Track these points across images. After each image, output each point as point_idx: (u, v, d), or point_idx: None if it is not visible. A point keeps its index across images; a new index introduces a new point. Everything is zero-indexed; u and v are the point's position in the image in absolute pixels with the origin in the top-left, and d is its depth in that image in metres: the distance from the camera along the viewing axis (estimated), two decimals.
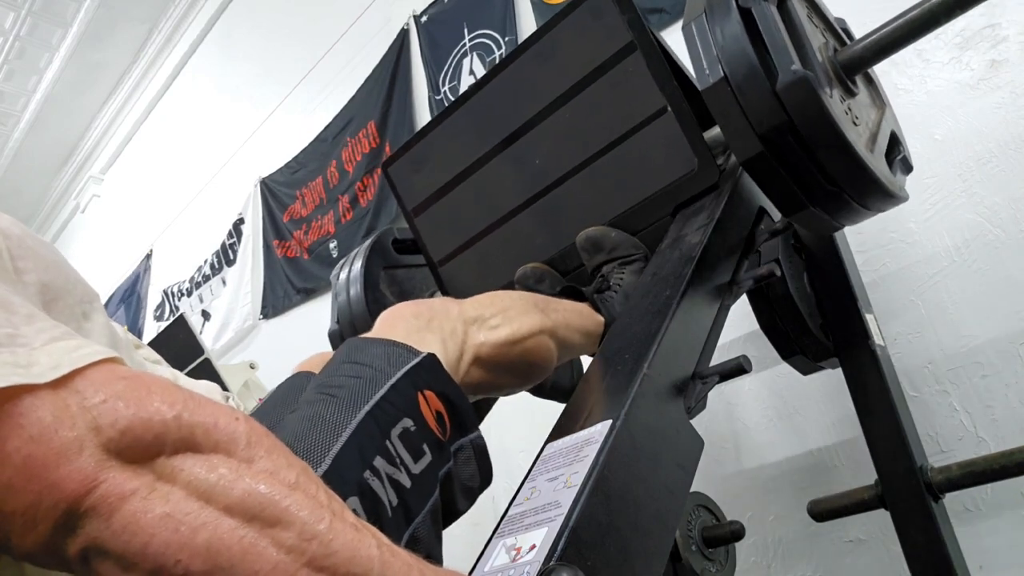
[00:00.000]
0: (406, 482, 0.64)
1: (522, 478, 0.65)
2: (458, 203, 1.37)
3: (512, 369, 0.90)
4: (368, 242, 1.54)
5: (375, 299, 1.44)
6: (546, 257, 1.28)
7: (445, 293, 1.43)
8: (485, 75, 1.31)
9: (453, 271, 1.41)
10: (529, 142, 1.27)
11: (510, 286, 1.29)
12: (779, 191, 0.93)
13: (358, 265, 1.48)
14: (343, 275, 1.49)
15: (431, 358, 0.74)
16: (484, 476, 0.76)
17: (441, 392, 0.72)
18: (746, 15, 0.89)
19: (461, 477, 0.73)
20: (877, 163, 0.95)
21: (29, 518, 0.38)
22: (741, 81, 0.87)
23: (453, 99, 1.38)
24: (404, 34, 3.23)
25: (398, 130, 3.13)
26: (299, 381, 0.87)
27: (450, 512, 0.73)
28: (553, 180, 1.26)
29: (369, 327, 1.42)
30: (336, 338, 1.47)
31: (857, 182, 0.91)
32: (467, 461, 0.74)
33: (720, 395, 1.78)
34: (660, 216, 1.15)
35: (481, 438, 0.76)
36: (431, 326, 0.80)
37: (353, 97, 3.43)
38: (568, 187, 1.24)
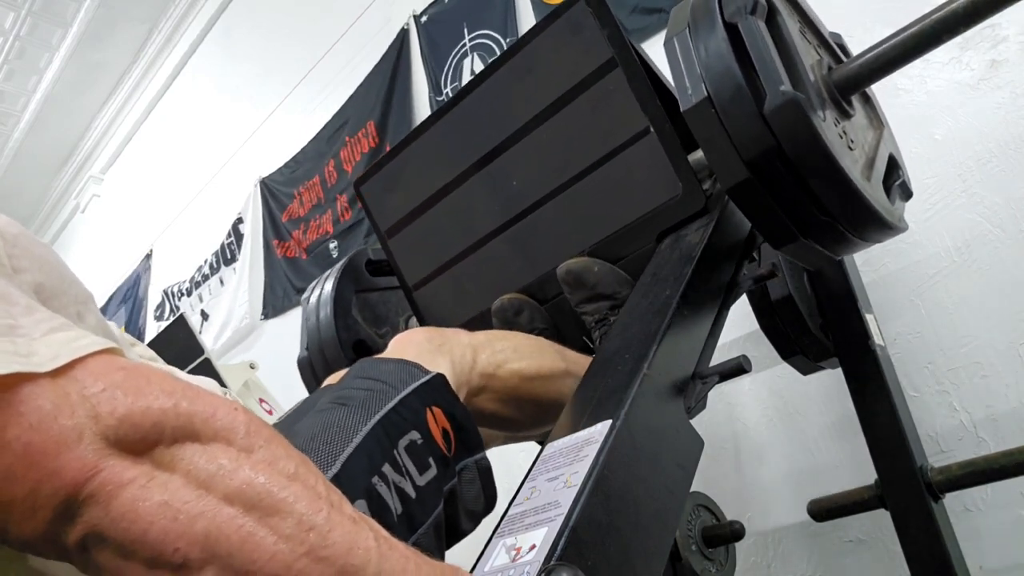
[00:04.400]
0: (411, 492, 0.65)
1: (522, 478, 0.65)
2: (433, 225, 1.29)
3: (520, 404, 0.91)
4: (340, 264, 1.46)
5: (346, 324, 1.37)
6: (524, 284, 1.20)
7: (420, 318, 1.35)
8: (460, 91, 1.24)
9: (429, 296, 1.33)
10: (506, 162, 1.20)
11: (487, 313, 1.22)
12: (768, 222, 0.86)
13: (328, 287, 1.39)
14: (313, 297, 1.41)
15: (440, 377, 0.76)
16: (488, 499, 0.77)
17: (448, 411, 0.74)
18: (732, 31, 0.82)
19: (465, 498, 0.74)
20: (874, 192, 0.89)
21: (28, 506, 0.38)
22: (726, 102, 0.81)
23: None
24: (404, 34, 3.23)
25: (398, 130, 3.13)
26: (319, 395, 0.88)
27: (454, 531, 0.74)
28: (531, 203, 1.18)
29: (339, 354, 1.39)
30: (305, 365, 1.38)
31: (852, 213, 0.84)
32: (471, 481, 0.75)
33: (720, 395, 1.78)
34: (643, 243, 1.08)
35: (486, 460, 0.77)
36: (442, 350, 0.83)
37: (352, 96, 3.43)
38: (546, 211, 1.17)
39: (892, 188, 0.98)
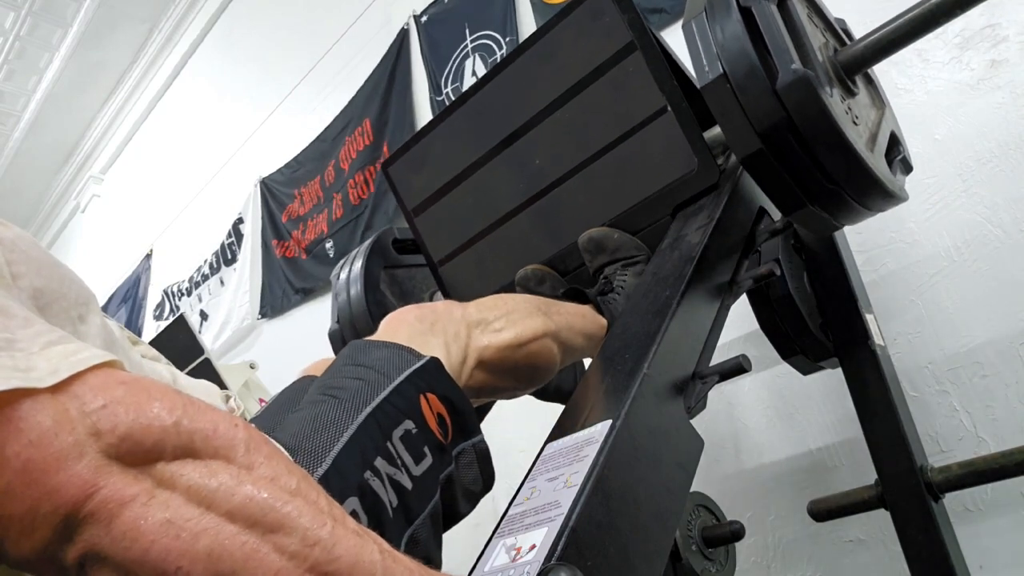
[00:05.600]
0: (407, 484, 0.64)
1: (522, 478, 0.65)
2: (458, 203, 1.37)
3: (515, 372, 0.90)
4: (368, 242, 1.54)
5: (375, 299, 1.44)
6: (546, 257, 1.27)
7: (445, 293, 1.42)
8: (484, 76, 1.31)
9: (453, 271, 1.41)
10: (529, 143, 1.27)
11: (511, 286, 1.28)
12: (778, 189, 0.93)
13: (358, 265, 1.47)
14: (343, 275, 1.49)
15: (434, 361, 0.74)
16: (486, 480, 0.76)
17: (443, 395, 0.72)
18: (746, 14, 0.89)
19: (463, 481, 0.73)
20: (877, 162, 0.95)
21: (27, 524, 0.38)
22: (741, 79, 0.87)
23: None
24: (404, 34, 3.23)
25: (397, 130, 3.13)
26: (302, 384, 0.88)
27: (451, 515, 0.73)
28: (553, 180, 1.25)
29: (369, 327, 1.43)
30: (336, 338, 1.46)
31: (857, 181, 0.91)
32: (469, 465, 0.74)
33: (720, 395, 1.78)
34: (660, 216, 1.15)
35: (484, 442, 0.76)
36: (434, 330, 0.81)
37: (352, 99, 3.43)
38: (568, 187, 1.24)
39: (894, 161, 1.05)
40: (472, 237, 1.36)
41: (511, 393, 0.97)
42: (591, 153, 1.20)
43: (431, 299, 1.54)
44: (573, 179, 1.23)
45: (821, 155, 0.87)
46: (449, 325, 0.83)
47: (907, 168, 1.11)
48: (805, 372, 1.39)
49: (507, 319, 0.89)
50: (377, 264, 1.50)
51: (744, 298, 1.30)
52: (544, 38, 1.23)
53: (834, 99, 0.90)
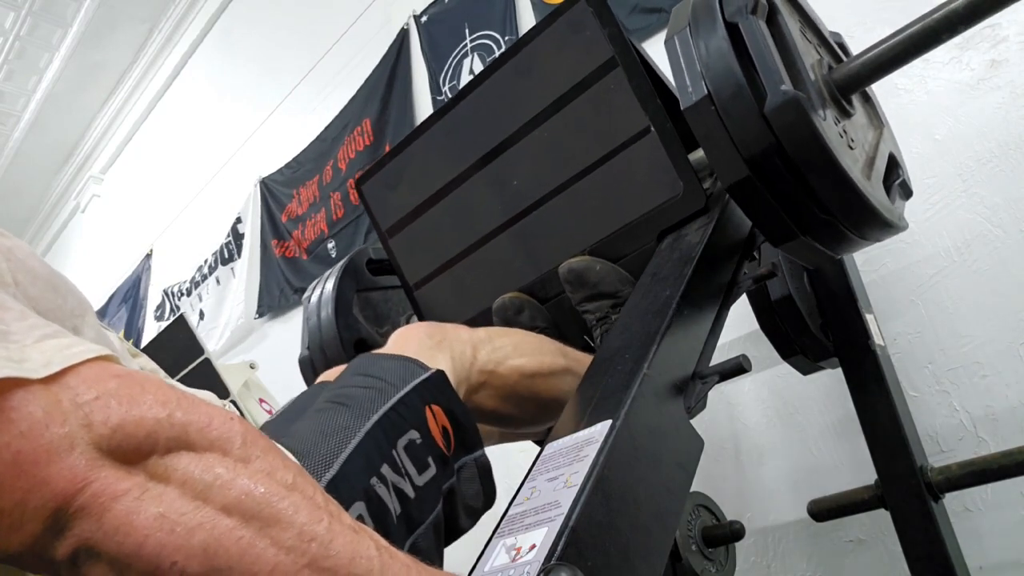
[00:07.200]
0: (410, 492, 0.65)
1: (522, 478, 0.65)
2: (434, 224, 1.30)
3: (519, 401, 0.91)
4: (340, 264, 1.47)
5: (347, 324, 1.37)
6: (526, 283, 1.20)
7: (421, 317, 1.36)
8: (462, 90, 1.24)
9: (430, 295, 1.33)
10: (508, 161, 1.20)
11: (488, 312, 1.22)
12: (767, 219, 0.86)
13: (329, 287, 1.40)
14: (314, 297, 1.42)
15: (440, 374, 0.75)
16: (487, 496, 0.77)
17: (448, 408, 0.73)
18: (733, 30, 0.82)
19: (464, 495, 0.74)
20: (874, 190, 0.89)
21: (16, 517, 0.37)
22: (726, 101, 0.81)
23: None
24: (404, 34, 3.23)
25: (398, 130, 3.13)
26: (316, 390, 0.88)
27: (453, 529, 0.74)
28: (532, 202, 1.18)
29: (340, 354, 1.39)
30: (306, 365, 1.38)
31: (852, 211, 0.84)
32: (471, 479, 0.75)
33: (720, 395, 1.78)
34: (645, 242, 1.08)
35: (485, 457, 0.77)
36: (442, 346, 0.82)
37: (353, 98, 3.43)
38: (548, 210, 1.17)
39: (892, 187, 0.99)
40: (449, 260, 1.29)
41: (517, 424, 0.97)
42: (572, 174, 1.14)
43: (407, 323, 1.45)
44: (553, 201, 1.16)
45: (813, 183, 0.81)
46: (456, 344, 0.84)
47: (907, 193, 1.04)
48: (805, 372, 1.39)
49: (516, 348, 0.90)
50: (349, 287, 1.42)
51: (744, 298, 1.31)
52: (523, 50, 1.16)
53: (827, 122, 0.84)
